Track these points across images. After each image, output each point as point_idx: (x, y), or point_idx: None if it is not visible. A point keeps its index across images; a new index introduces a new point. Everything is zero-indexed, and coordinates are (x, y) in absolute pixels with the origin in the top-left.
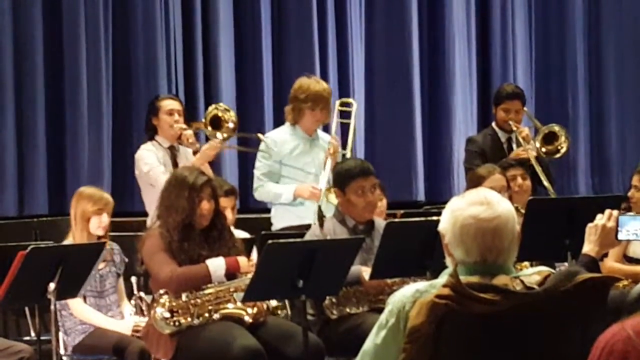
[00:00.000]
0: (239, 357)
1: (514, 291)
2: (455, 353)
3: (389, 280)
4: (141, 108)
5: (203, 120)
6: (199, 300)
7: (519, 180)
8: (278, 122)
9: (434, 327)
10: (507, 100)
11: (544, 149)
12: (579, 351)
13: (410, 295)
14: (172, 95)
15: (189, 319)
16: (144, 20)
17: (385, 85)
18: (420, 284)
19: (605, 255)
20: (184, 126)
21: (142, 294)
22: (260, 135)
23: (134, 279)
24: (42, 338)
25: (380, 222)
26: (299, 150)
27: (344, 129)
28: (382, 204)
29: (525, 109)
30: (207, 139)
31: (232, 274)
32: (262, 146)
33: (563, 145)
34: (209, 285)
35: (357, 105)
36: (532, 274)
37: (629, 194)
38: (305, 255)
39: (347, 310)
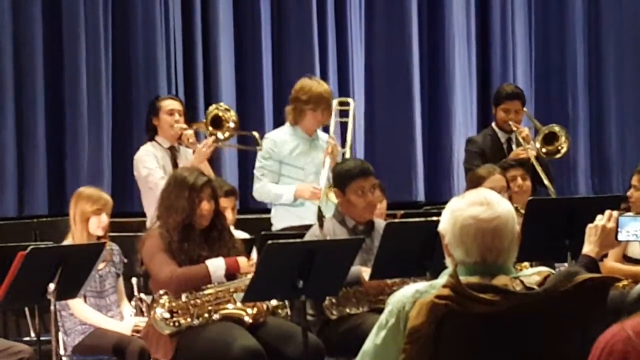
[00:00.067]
0: (239, 358)
1: (513, 291)
2: (455, 353)
3: (388, 281)
4: (141, 108)
5: (204, 120)
6: (198, 301)
7: (519, 180)
8: (278, 122)
9: (434, 327)
10: (507, 101)
11: (544, 150)
12: (579, 351)
13: (410, 295)
14: (173, 95)
15: (189, 320)
16: (144, 20)
17: (385, 86)
18: (420, 285)
19: (605, 255)
20: (185, 126)
21: (142, 295)
22: (255, 133)
23: (134, 280)
24: (42, 338)
25: (380, 223)
26: (299, 151)
27: (343, 128)
28: (382, 205)
29: (525, 109)
30: None
31: (231, 274)
32: (262, 145)
33: (563, 146)
34: (209, 286)
35: (354, 104)
36: (532, 275)
37: (628, 193)
38: (305, 255)
39: (347, 310)
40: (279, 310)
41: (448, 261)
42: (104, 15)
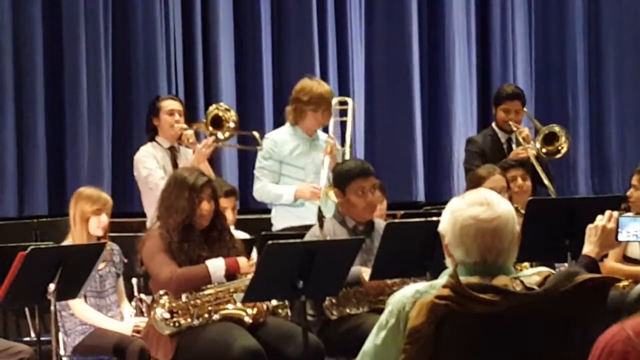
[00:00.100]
0: (239, 358)
1: (513, 292)
2: (455, 353)
3: (389, 281)
4: (141, 108)
5: (204, 120)
6: (198, 301)
7: (519, 180)
8: (278, 122)
9: (434, 327)
10: (507, 101)
11: (544, 150)
12: (579, 352)
13: (410, 295)
14: (173, 95)
15: (189, 320)
16: (144, 20)
17: (385, 86)
18: (420, 285)
19: (605, 255)
20: (185, 126)
21: (142, 295)
22: (255, 133)
23: (134, 280)
24: (42, 339)
25: (380, 223)
26: (299, 151)
27: (343, 127)
28: (383, 206)
29: (525, 109)
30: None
31: (231, 274)
32: (262, 145)
33: (563, 146)
34: (209, 286)
35: (353, 103)
36: (532, 275)
37: (628, 193)
38: (305, 256)
39: (347, 310)
40: (279, 310)
41: (448, 261)
42: (104, 15)
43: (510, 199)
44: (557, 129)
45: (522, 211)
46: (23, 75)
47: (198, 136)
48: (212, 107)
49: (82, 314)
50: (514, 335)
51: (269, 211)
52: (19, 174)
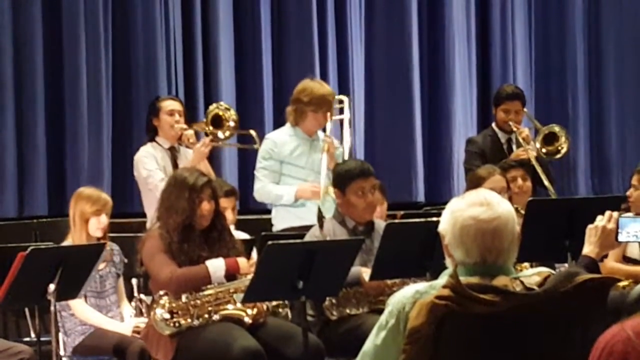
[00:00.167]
0: (239, 358)
1: (513, 292)
2: (455, 354)
3: (388, 281)
4: (141, 108)
5: (204, 120)
6: (198, 301)
7: (519, 181)
8: (278, 122)
9: (434, 328)
10: (507, 101)
11: (544, 150)
12: (579, 352)
13: (410, 296)
14: (173, 95)
15: (189, 320)
16: (144, 20)
17: (385, 86)
18: (420, 285)
19: (605, 256)
20: (185, 126)
21: (142, 295)
22: (252, 131)
23: (134, 281)
24: (42, 339)
25: (380, 223)
26: (299, 152)
27: (341, 124)
28: (383, 208)
29: (525, 109)
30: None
31: (231, 275)
32: (259, 143)
33: (563, 146)
34: (209, 286)
35: (349, 100)
36: (532, 275)
37: (628, 193)
38: (305, 256)
39: (347, 311)
40: (279, 311)
41: (448, 262)
42: (104, 15)
43: (510, 199)
44: (557, 129)
45: (522, 212)
46: (23, 75)
47: (198, 136)
48: (212, 106)
49: (82, 314)
50: (514, 336)
51: (269, 211)
52: (19, 174)
